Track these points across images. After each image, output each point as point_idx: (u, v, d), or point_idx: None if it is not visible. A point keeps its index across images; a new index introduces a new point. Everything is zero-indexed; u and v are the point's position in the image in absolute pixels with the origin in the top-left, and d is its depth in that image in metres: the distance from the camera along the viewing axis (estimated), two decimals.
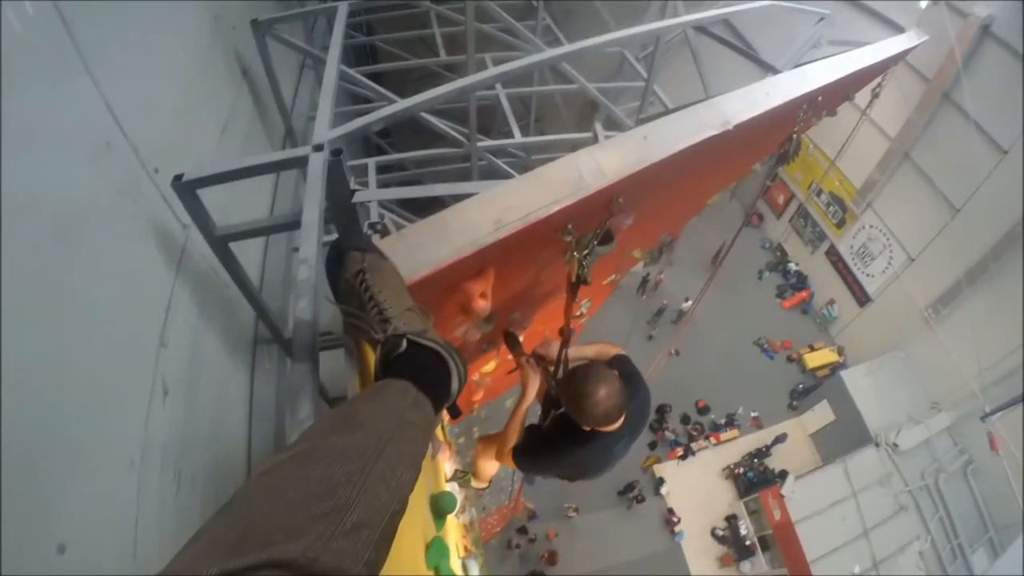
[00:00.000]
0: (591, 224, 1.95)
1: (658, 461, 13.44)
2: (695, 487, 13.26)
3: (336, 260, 1.43)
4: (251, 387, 3.32)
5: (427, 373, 1.25)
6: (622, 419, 2.33)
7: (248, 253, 3.27)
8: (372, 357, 1.68)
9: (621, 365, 2.66)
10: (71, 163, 1.98)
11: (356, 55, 7.30)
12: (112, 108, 2.25)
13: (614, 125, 4.60)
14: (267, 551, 0.67)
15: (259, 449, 3.14)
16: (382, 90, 3.58)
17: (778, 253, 17.20)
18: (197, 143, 3.28)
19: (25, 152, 1.69)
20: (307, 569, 0.68)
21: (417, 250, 1.53)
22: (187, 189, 2.32)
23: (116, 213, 2.26)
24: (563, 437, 2.53)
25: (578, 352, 2.72)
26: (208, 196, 2.47)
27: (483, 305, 1.76)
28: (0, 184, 1.50)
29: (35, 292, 1.63)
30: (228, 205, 3.16)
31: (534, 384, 2.71)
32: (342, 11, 3.68)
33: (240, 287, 2.95)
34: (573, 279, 2.04)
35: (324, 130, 2.42)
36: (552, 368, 2.79)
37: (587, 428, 2.32)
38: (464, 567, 3.55)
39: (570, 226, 1.84)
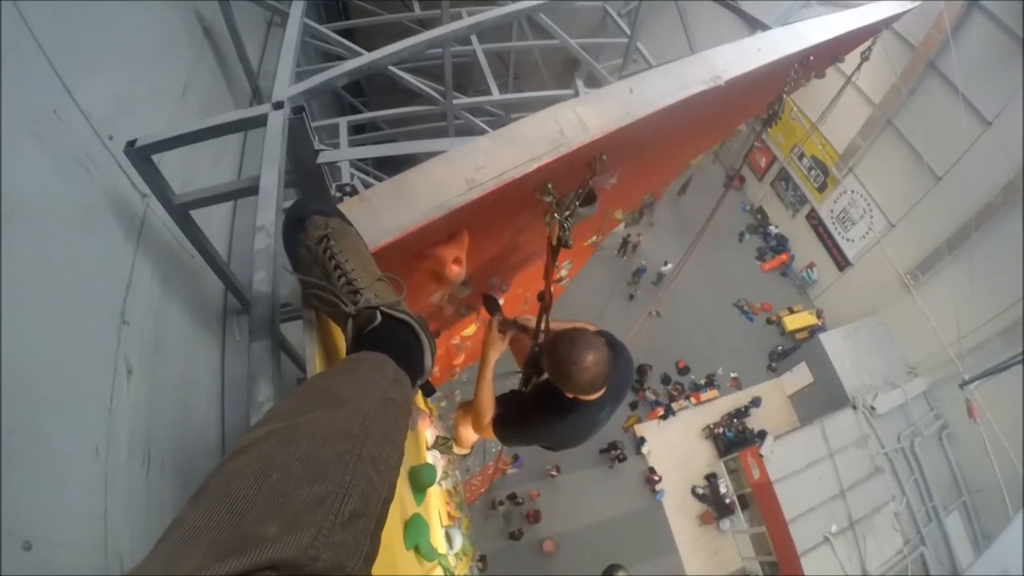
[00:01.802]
0: (572, 184, 1.82)
1: (639, 421, 13.61)
2: (675, 446, 13.46)
3: (295, 225, 1.27)
4: (222, 362, 3.22)
5: (403, 348, 1.17)
6: (605, 387, 2.25)
7: (214, 221, 3.13)
8: (336, 331, 1.56)
9: (602, 334, 2.58)
10: (15, 134, 1.82)
11: (327, 11, 6.98)
12: (59, 73, 2.11)
13: (596, 83, 4.43)
14: (265, 549, 0.61)
15: (233, 426, 3.04)
16: (352, 45, 3.37)
17: (759, 216, 17.24)
18: (155, 108, 3.09)
19: None
20: (307, 568, 0.63)
21: (381, 214, 1.39)
22: (142, 155, 2.21)
23: (68, 185, 2.12)
24: (545, 406, 2.45)
25: (555, 325, 2.62)
26: (169, 165, 2.35)
27: (457, 271, 1.65)
28: None
29: None
30: (191, 173, 3.03)
31: (496, 349, 2.62)
32: None
33: (204, 257, 2.83)
34: (554, 242, 1.91)
35: (284, 87, 2.27)
36: (534, 334, 2.70)
37: (570, 396, 2.23)
38: (448, 537, 3.50)
39: (550, 186, 1.71)
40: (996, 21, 10.17)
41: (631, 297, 14.57)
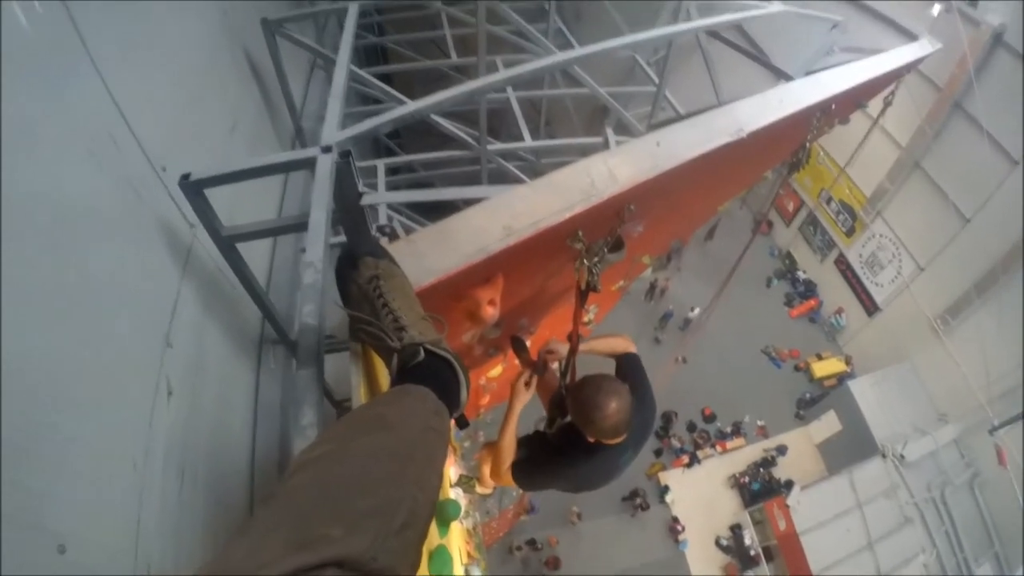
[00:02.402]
0: (601, 231, 1.92)
1: (663, 468, 13.37)
2: (700, 495, 13.18)
3: (348, 265, 1.41)
4: (256, 388, 3.31)
5: (443, 383, 1.26)
6: (627, 432, 2.29)
7: (255, 253, 3.26)
8: (378, 363, 1.65)
9: (630, 368, 2.61)
10: (75, 159, 1.96)
11: (367, 55, 7.30)
12: (119, 104, 2.23)
13: (625, 129, 4.57)
14: (333, 546, 0.70)
15: (263, 449, 3.12)
16: (392, 91, 3.55)
17: (787, 261, 17.14)
18: (205, 141, 3.27)
19: (28, 147, 1.67)
20: (366, 567, 0.71)
21: (426, 256, 1.50)
22: (194, 189, 2.31)
23: (122, 211, 2.24)
24: (568, 448, 2.49)
25: (588, 347, 2.66)
26: (215, 195, 2.44)
27: (492, 312, 1.74)
28: (1, 180, 1.49)
29: (38, 290, 1.61)
30: (235, 204, 3.14)
31: (522, 400, 2.67)
32: (352, 11, 3.67)
33: (246, 288, 2.93)
34: (583, 287, 2.00)
35: (333, 131, 2.41)
36: (561, 375, 2.75)
37: (592, 440, 2.28)
38: (467, 574, 3.51)
39: (580, 233, 1.81)
40: (1020, 57, 10.12)
41: (656, 340, 14.50)
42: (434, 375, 1.27)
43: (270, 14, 3.98)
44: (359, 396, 1.44)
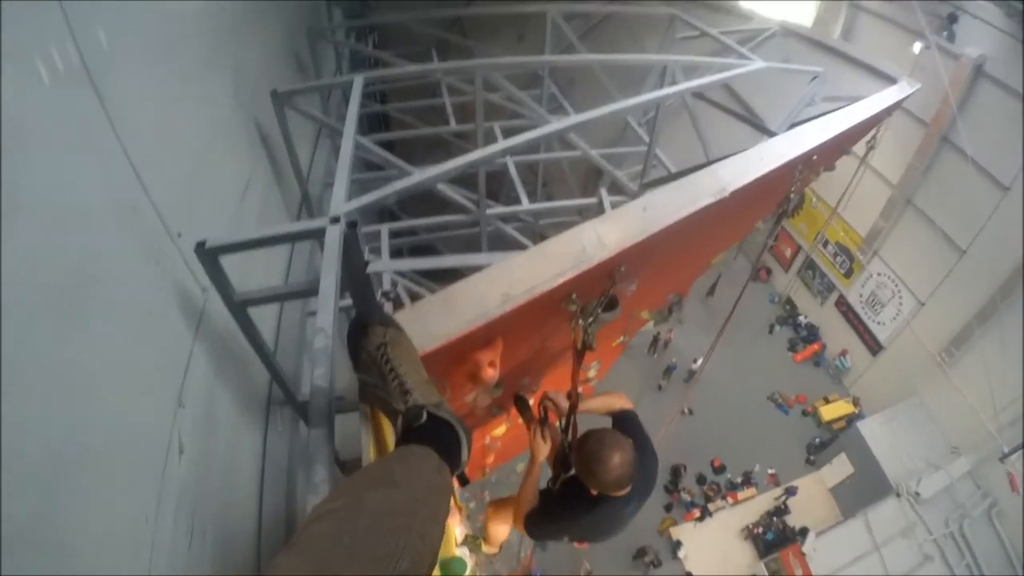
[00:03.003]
0: (595, 292, 2.03)
1: (674, 523, 13.04)
2: (713, 549, 12.80)
3: (359, 332, 1.52)
4: (264, 447, 3.36)
5: (444, 443, 1.35)
6: (631, 485, 2.34)
7: (264, 315, 3.36)
8: (385, 423, 1.74)
9: (627, 424, 2.67)
10: (100, 227, 2.08)
11: (370, 122, 7.57)
12: (139, 173, 2.35)
13: (619, 189, 4.74)
14: None
15: (270, 507, 3.15)
16: (396, 160, 3.73)
17: (787, 306, 17.11)
18: (218, 207, 3.42)
19: (56, 214, 1.78)
20: None
21: (429, 323, 1.61)
22: (209, 255, 2.41)
23: (140, 276, 2.35)
24: (573, 501, 2.53)
25: (585, 407, 2.72)
26: (227, 258, 2.56)
27: (492, 374, 1.83)
28: (22, 249, 1.60)
29: (59, 352, 1.68)
30: (246, 267, 3.25)
31: (542, 452, 2.72)
32: (357, 85, 3.86)
33: (256, 350, 3.01)
34: (579, 346, 2.10)
35: (340, 202, 2.55)
36: (564, 431, 2.81)
37: (596, 492, 2.33)
38: None
39: (574, 296, 1.92)
40: (1003, 86, 10.33)
41: (659, 387, 14.34)
42: (437, 436, 1.37)
43: (279, 86, 4.17)
44: (368, 453, 1.53)
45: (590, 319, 2.02)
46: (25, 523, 1.42)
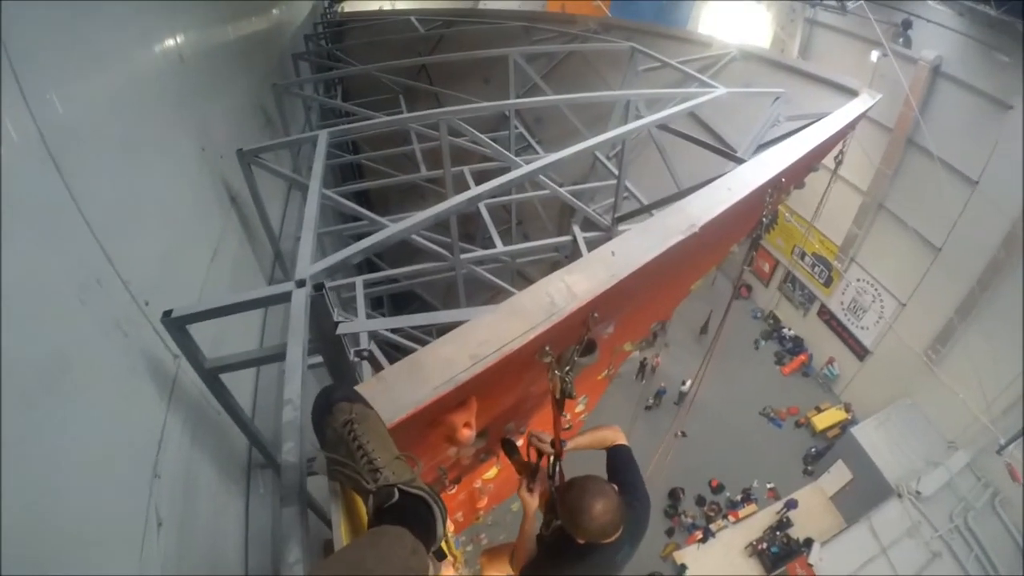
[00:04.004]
0: (570, 340, 2.00)
1: (677, 548, 12.84)
2: (719, 569, 12.57)
3: (324, 410, 1.48)
4: (246, 513, 3.27)
5: (418, 520, 1.32)
6: (620, 530, 2.29)
7: (240, 378, 3.30)
8: (358, 500, 1.68)
9: (620, 461, 2.63)
10: (62, 304, 2.03)
11: (343, 171, 7.60)
12: (103, 245, 2.34)
13: (591, 225, 4.77)
14: None
15: (257, 572, 3.05)
16: (367, 213, 3.72)
17: (771, 321, 17.28)
18: (187, 272, 3.37)
19: (15, 297, 1.73)
20: None
21: (396, 392, 1.57)
22: (176, 324, 2.37)
23: (108, 347, 2.30)
24: (563, 549, 2.47)
25: (574, 444, 2.67)
26: (199, 325, 2.50)
27: (468, 434, 1.78)
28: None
29: (26, 432, 1.64)
30: (219, 331, 3.20)
31: (532, 505, 2.67)
32: (322, 141, 3.85)
33: (231, 416, 2.96)
34: (557, 395, 2.06)
35: (306, 264, 2.52)
36: (551, 476, 2.76)
37: (582, 541, 2.28)
38: None
39: (548, 348, 1.89)
40: (961, 84, 10.69)
41: (648, 408, 14.34)
42: (410, 513, 1.33)
43: (246, 144, 4.15)
44: (340, 534, 1.47)
45: (567, 368, 1.99)
46: None
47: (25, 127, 1.97)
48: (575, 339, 2.01)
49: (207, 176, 4.03)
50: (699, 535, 12.91)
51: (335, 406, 1.45)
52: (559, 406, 2.18)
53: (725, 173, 3.50)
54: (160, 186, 3.27)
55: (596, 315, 1.98)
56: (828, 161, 4.61)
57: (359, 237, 4.82)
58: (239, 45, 5.74)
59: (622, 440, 2.71)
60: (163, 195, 3.29)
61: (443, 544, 1.49)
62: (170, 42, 3.81)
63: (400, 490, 1.35)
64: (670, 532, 13.03)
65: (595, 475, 2.33)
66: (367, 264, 6.78)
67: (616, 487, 2.38)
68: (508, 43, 6.67)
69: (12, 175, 1.83)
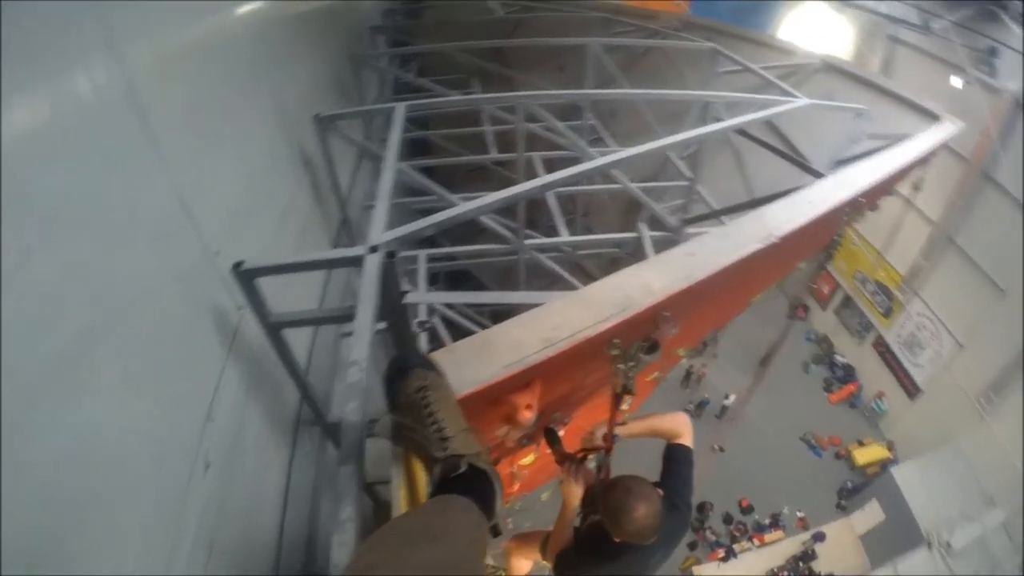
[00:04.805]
0: (637, 336, 1.97)
1: (698, 562, 12.68)
2: None
3: (399, 373, 1.49)
4: (289, 467, 3.36)
5: (481, 495, 1.32)
6: (658, 535, 2.27)
7: (297, 335, 3.38)
8: (416, 466, 1.70)
9: (676, 463, 2.56)
10: (136, 246, 2.10)
11: (412, 146, 7.67)
12: (180, 191, 2.42)
13: (658, 223, 4.69)
14: None
15: (291, 528, 3.14)
16: (438, 189, 3.74)
17: (824, 345, 16.76)
18: (257, 228, 3.47)
19: (93, 229, 1.80)
20: None
21: (465, 367, 1.58)
22: (246, 277, 2.43)
23: (176, 292, 2.38)
24: (598, 545, 2.46)
25: (629, 431, 2.60)
26: (263, 279, 2.56)
27: (529, 416, 1.79)
28: (59, 262, 1.60)
29: (92, 363, 1.71)
30: (281, 288, 3.28)
31: (575, 497, 2.65)
32: (399, 113, 3.90)
33: (288, 370, 3.03)
34: (618, 391, 2.04)
35: (379, 232, 2.55)
36: (597, 471, 2.75)
37: (618, 540, 2.26)
38: None
39: (616, 341, 1.87)
40: None
41: (687, 411, 14.10)
42: (474, 487, 1.33)
43: (323, 110, 4.23)
44: (398, 498, 1.49)
45: (631, 363, 1.96)
46: (39, 531, 1.42)
47: (111, 71, 2.03)
48: (642, 335, 1.98)
49: (283, 138, 4.12)
50: (721, 553, 12.73)
51: (411, 371, 1.46)
52: (617, 401, 2.15)
53: (802, 185, 3.41)
54: (238, 143, 3.36)
55: (667, 314, 1.95)
56: (903, 189, 4.45)
57: (423, 212, 4.89)
58: (320, 13, 5.84)
59: (688, 439, 2.62)
60: (240, 152, 3.38)
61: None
62: (256, 4, 3.90)
63: (468, 463, 1.36)
64: (692, 546, 12.87)
65: (641, 477, 2.30)
66: (427, 240, 6.81)
67: (662, 490, 2.35)
68: (587, 33, 6.60)
69: (96, 116, 1.90)
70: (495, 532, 1.55)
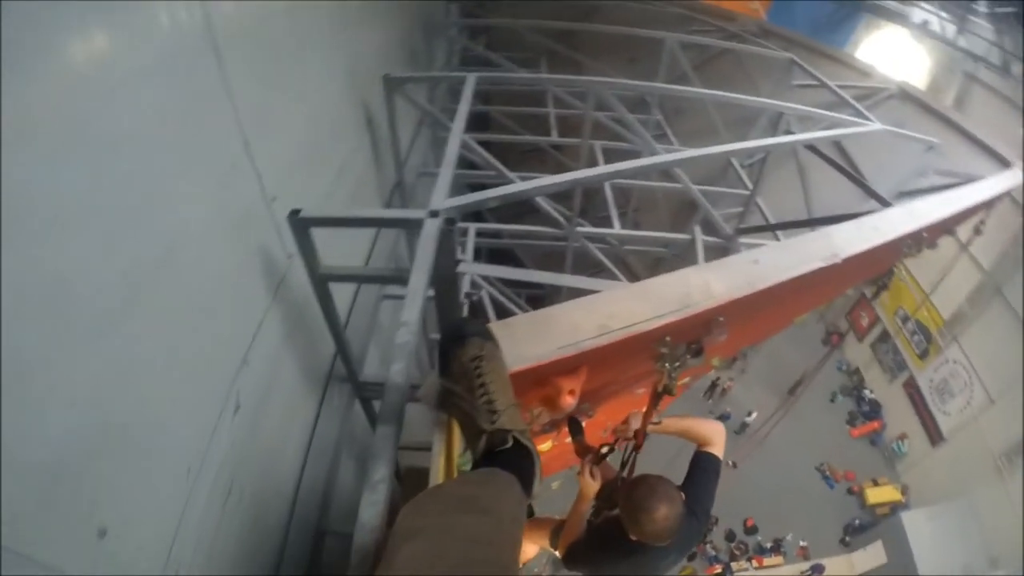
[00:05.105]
0: (687, 338, 1.95)
1: (694, 574, 12.64)
2: None
3: (456, 340, 1.47)
4: (315, 421, 3.41)
5: (524, 473, 1.31)
6: (673, 538, 2.25)
7: (340, 291, 3.43)
8: (455, 435, 1.71)
9: (702, 470, 2.53)
10: (197, 181, 2.13)
11: (470, 120, 7.65)
12: (245, 135, 2.45)
13: (711, 228, 4.61)
14: None
15: (309, 481, 3.19)
16: (499, 165, 3.72)
17: (855, 377, 16.37)
18: (314, 180, 3.50)
19: (158, 160, 1.84)
20: None
21: (521, 342, 1.57)
22: (302, 225, 2.46)
23: (229, 232, 2.42)
24: (612, 540, 2.45)
25: (665, 428, 2.58)
26: (315, 230, 2.56)
27: (571, 402, 1.78)
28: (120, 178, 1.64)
29: (147, 290, 1.76)
30: (329, 241, 3.33)
31: (592, 489, 2.64)
32: (470, 83, 3.88)
33: (329, 324, 3.07)
34: (659, 389, 2.02)
35: (442, 198, 2.55)
36: (621, 466, 2.73)
37: (634, 538, 2.25)
38: None
39: (668, 338, 1.85)
40: None
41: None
42: (518, 464, 1.32)
43: (391, 71, 4.24)
44: (438, 466, 1.50)
45: (676, 364, 1.94)
46: (77, 448, 1.47)
47: (192, 11, 2.06)
48: (693, 337, 1.95)
49: (349, 95, 4.15)
50: (718, 569, 12.67)
51: (469, 339, 1.45)
52: (656, 400, 2.13)
53: (868, 211, 3.32)
54: (305, 95, 3.39)
55: (721, 319, 1.92)
56: (959, 232, 4.32)
57: (472, 186, 4.89)
58: None
59: (719, 448, 2.58)
60: (306, 104, 3.40)
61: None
62: None
63: (514, 438, 1.35)
64: (691, 557, 12.78)
65: (666, 477, 2.28)
66: (471, 214, 6.86)
67: (684, 494, 2.33)
68: (664, 27, 6.48)
69: (173, 51, 1.93)
70: (530, 513, 1.56)
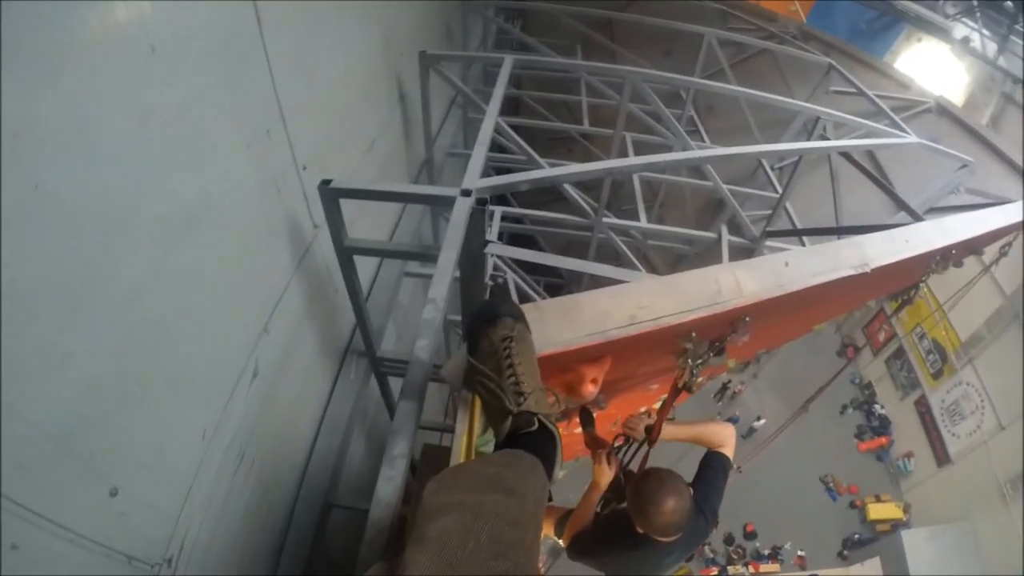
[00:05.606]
0: (712, 335, 1.94)
1: (690, 574, 12.66)
2: None
3: (488, 319, 1.46)
4: (330, 393, 3.44)
5: (547, 457, 1.30)
6: (679, 535, 2.26)
7: (363, 265, 3.46)
8: (476, 414, 1.72)
9: (712, 469, 2.55)
10: (233, 140, 2.15)
11: (503, 103, 7.62)
12: (281, 101, 2.47)
13: (737, 229, 4.57)
14: None
15: (320, 454, 3.23)
16: (530, 150, 3.70)
17: (867, 391, 16.20)
18: (345, 152, 3.51)
19: (196, 117, 1.85)
20: None
21: (548, 327, 1.57)
22: (332, 196, 2.46)
23: (259, 198, 2.43)
24: (618, 532, 2.46)
25: (673, 435, 2.60)
26: (343, 202, 2.57)
27: (592, 390, 1.78)
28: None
29: (170, 243, 1.78)
30: (353, 215, 3.35)
31: (606, 479, 2.65)
32: (507, 65, 3.85)
33: (351, 297, 3.08)
34: (679, 384, 2.02)
35: (475, 178, 2.54)
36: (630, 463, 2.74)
37: (641, 532, 2.26)
38: None
39: (694, 334, 1.85)
40: None
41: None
42: (541, 447, 1.32)
43: (427, 47, 4.23)
44: (460, 446, 1.51)
45: (699, 361, 1.94)
46: (92, 409, 1.49)
47: None
48: (718, 335, 1.95)
49: (384, 69, 4.14)
50: (714, 571, 12.66)
51: (501, 319, 1.44)
52: (673, 396, 2.13)
53: (899, 223, 3.28)
54: (342, 66, 3.38)
55: (748, 319, 1.91)
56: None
57: (500, 170, 4.87)
58: None
59: (729, 449, 2.61)
60: (343, 74, 3.40)
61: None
62: None
63: (539, 421, 1.35)
64: (689, 557, 12.80)
65: (676, 472, 2.29)
66: (499, 198, 6.80)
67: (693, 491, 2.33)
68: (702, 23, 6.40)
69: (214, 15, 1.94)
70: (548, 497, 1.57)
